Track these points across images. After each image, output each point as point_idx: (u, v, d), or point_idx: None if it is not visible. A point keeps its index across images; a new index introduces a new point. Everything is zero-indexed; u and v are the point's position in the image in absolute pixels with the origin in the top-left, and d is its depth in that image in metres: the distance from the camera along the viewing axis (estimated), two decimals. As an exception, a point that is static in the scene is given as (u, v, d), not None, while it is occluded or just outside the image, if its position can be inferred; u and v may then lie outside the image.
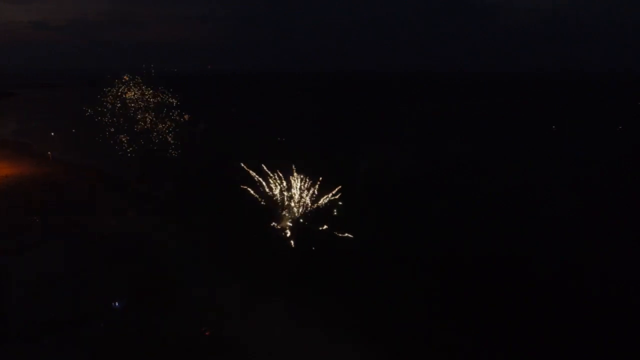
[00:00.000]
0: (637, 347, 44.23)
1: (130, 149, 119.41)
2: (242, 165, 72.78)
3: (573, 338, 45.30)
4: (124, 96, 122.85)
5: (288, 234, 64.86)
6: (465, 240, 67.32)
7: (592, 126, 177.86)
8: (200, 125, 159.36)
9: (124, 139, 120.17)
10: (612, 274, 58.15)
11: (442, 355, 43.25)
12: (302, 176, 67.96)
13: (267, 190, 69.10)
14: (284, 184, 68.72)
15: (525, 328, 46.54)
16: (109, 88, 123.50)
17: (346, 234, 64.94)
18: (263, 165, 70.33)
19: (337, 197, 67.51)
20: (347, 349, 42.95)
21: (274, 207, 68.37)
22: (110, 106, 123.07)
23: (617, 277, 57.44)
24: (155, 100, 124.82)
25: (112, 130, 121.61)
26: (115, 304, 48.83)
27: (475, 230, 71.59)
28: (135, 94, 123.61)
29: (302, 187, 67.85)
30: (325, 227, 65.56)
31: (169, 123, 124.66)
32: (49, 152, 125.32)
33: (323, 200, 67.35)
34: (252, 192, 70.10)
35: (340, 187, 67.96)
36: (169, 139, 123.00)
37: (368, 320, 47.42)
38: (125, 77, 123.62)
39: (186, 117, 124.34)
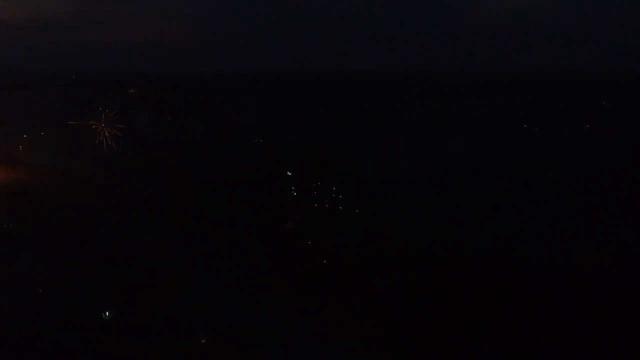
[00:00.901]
0: (637, 347, 44.20)
1: (126, 154, 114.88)
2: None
3: (573, 338, 45.27)
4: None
5: (298, 235, 63.39)
6: (465, 240, 67.34)
7: (589, 126, 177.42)
8: (199, 128, 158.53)
9: (111, 143, 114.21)
10: (612, 274, 58.11)
11: (442, 356, 43.22)
12: (310, 178, 66.65)
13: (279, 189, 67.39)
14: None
15: (525, 328, 46.52)
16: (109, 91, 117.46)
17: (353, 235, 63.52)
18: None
19: (339, 198, 66.57)
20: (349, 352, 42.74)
21: (285, 208, 67.09)
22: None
23: (617, 277, 57.40)
24: (150, 103, 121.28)
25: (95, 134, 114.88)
26: (105, 313, 47.09)
27: (474, 230, 71.59)
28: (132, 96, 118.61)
29: (309, 187, 66.66)
30: (333, 228, 64.08)
31: (167, 127, 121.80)
32: (19, 155, 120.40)
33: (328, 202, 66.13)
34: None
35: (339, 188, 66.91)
36: (166, 142, 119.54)
37: (372, 324, 47.05)
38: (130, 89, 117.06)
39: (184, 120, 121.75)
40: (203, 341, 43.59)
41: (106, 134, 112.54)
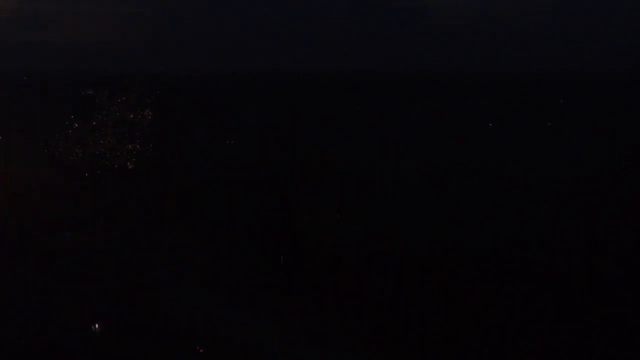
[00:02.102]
0: (637, 348, 44.10)
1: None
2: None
3: (573, 338, 45.20)
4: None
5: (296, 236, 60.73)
6: (465, 240, 67.33)
7: (586, 126, 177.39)
8: (199, 129, 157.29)
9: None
10: (612, 274, 58.05)
11: (443, 356, 43.14)
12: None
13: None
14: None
15: (525, 328, 46.45)
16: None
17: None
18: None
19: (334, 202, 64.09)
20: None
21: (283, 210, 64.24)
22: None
23: (617, 277, 57.33)
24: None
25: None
26: (95, 326, 45.82)
27: (474, 230, 71.56)
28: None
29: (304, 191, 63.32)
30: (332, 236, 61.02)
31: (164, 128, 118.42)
32: None
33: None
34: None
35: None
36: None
37: (372, 325, 46.87)
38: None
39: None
40: (201, 351, 42.42)
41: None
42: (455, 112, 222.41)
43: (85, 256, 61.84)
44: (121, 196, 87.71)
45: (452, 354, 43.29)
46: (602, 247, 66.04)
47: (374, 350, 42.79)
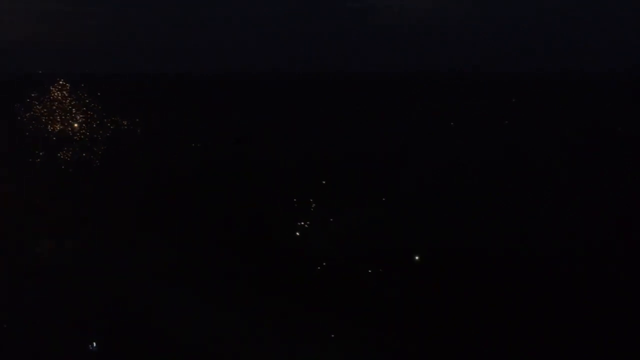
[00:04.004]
0: (637, 348, 44.00)
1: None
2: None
3: (574, 338, 45.12)
4: None
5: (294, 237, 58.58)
6: (465, 240, 67.28)
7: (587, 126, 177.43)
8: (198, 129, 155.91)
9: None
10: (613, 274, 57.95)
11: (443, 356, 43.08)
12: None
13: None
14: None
15: (525, 329, 46.38)
16: None
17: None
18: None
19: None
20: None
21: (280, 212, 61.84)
22: None
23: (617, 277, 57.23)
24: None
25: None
26: (92, 345, 43.16)
27: (474, 230, 71.52)
28: None
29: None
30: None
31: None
32: None
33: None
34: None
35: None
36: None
37: (371, 326, 46.81)
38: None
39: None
40: None
41: None
42: (455, 112, 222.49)
43: (65, 269, 57.47)
44: (104, 201, 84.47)
45: (452, 354, 43.23)
46: (601, 248, 65.92)
47: (372, 349, 42.72)
